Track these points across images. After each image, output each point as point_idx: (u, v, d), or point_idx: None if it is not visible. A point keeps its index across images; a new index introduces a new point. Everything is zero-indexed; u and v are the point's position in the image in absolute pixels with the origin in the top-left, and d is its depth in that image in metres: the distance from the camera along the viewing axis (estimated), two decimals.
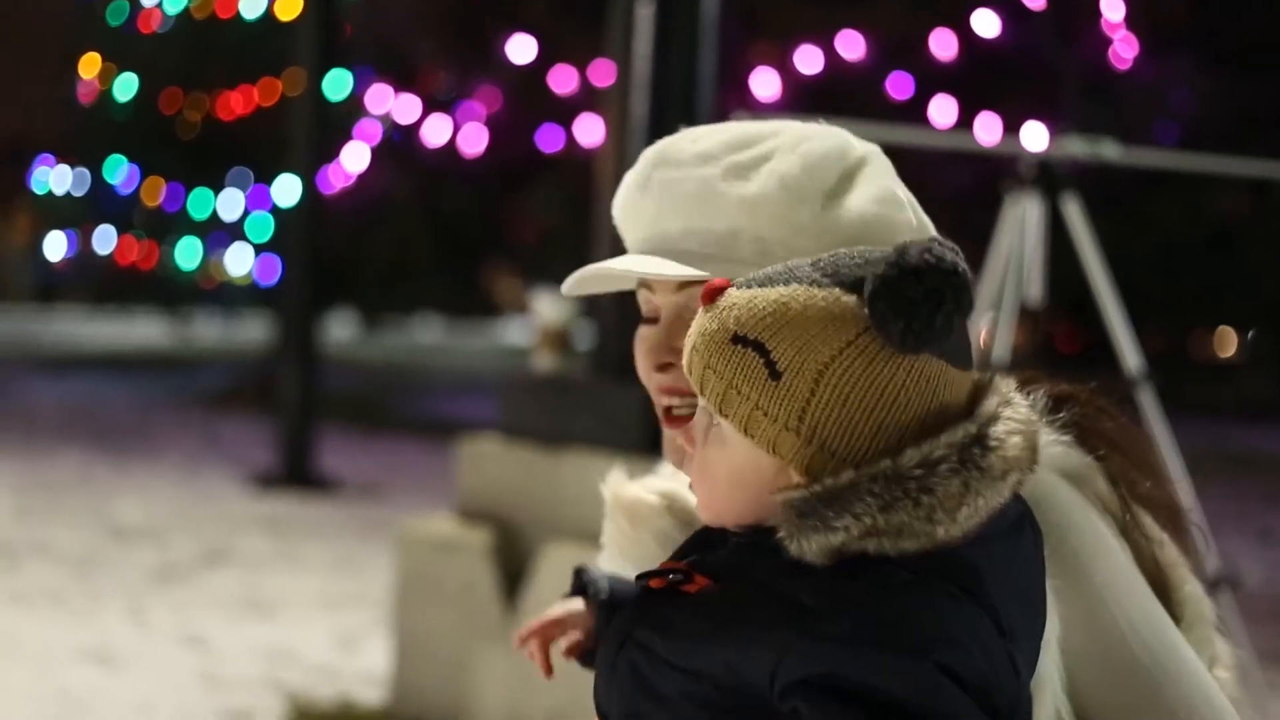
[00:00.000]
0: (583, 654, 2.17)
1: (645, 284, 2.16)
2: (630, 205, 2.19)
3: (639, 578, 1.93)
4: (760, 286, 1.83)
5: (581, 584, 2.17)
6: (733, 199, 2.08)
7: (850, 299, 1.79)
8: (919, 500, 1.74)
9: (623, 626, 1.91)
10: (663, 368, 2.13)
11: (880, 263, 1.78)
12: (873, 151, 2.16)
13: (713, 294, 1.85)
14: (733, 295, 1.84)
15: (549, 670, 2.18)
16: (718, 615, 1.81)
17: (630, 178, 2.19)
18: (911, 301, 1.75)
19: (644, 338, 2.16)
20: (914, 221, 2.10)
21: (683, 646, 1.82)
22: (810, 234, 2.06)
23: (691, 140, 2.16)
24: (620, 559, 2.30)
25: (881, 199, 2.08)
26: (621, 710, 1.88)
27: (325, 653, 7.47)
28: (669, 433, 2.15)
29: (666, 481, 2.29)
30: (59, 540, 9.99)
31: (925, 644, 1.71)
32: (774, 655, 1.74)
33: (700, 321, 1.85)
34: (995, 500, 1.78)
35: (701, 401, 1.86)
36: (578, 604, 2.14)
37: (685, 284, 2.11)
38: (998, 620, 1.78)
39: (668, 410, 2.14)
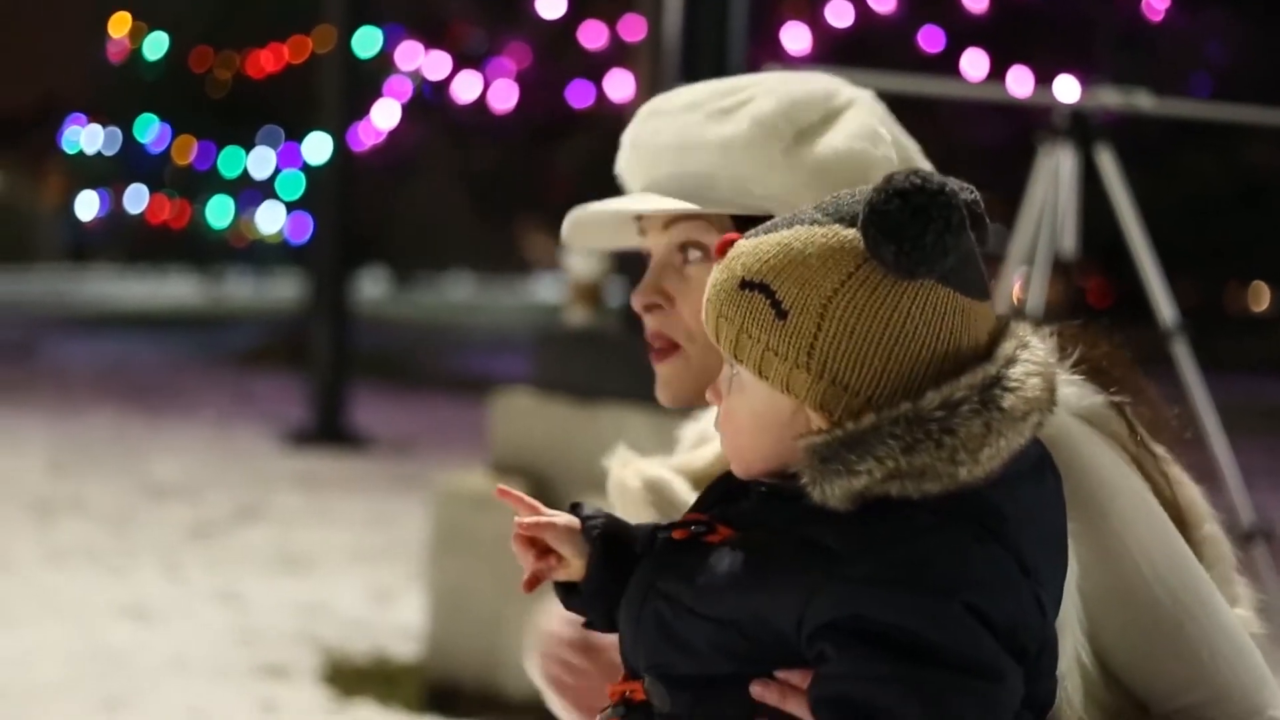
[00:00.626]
0: (566, 588, 2.13)
1: (643, 231, 2.20)
2: (625, 161, 2.23)
3: (660, 529, 1.94)
4: (766, 234, 1.85)
5: (578, 519, 2.15)
6: (710, 140, 2.12)
7: (849, 232, 1.80)
8: (941, 441, 1.74)
9: (646, 578, 1.91)
10: (648, 308, 2.17)
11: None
12: (862, 96, 2.19)
13: (724, 247, 1.88)
14: (740, 245, 1.86)
15: (531, 585, 2.14)
16: (742, 563, 1.81)
17: (625, 136, 2.23)
18: (899, 223, 1.76)
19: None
20: (894, 158, 2.12)
21: (708, 595, 1.82)
22: (781, 169, 2.10)
23: (677, 94, 2.20)
24: None
25: (858, 135, 2.12)
26: (648, 661, 1.88)
27: (359, 607, 7.50)
28: (657, 371, 2.19)
29: (661, 468, 2.30)
30: (94, 498, 10.04)
31: (952, 584, 1.72)
32: (800, 599, 1.75)
33: (712, 275, 1.87)
34: (1017, 441, 1.78)
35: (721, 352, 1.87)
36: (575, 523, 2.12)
37: (672, 222, 2.15)
38: (1022, 561, 1.78)
39: (655, 351, 2.18)
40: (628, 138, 2.21)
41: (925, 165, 2.16)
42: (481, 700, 5.93)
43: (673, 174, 2.15)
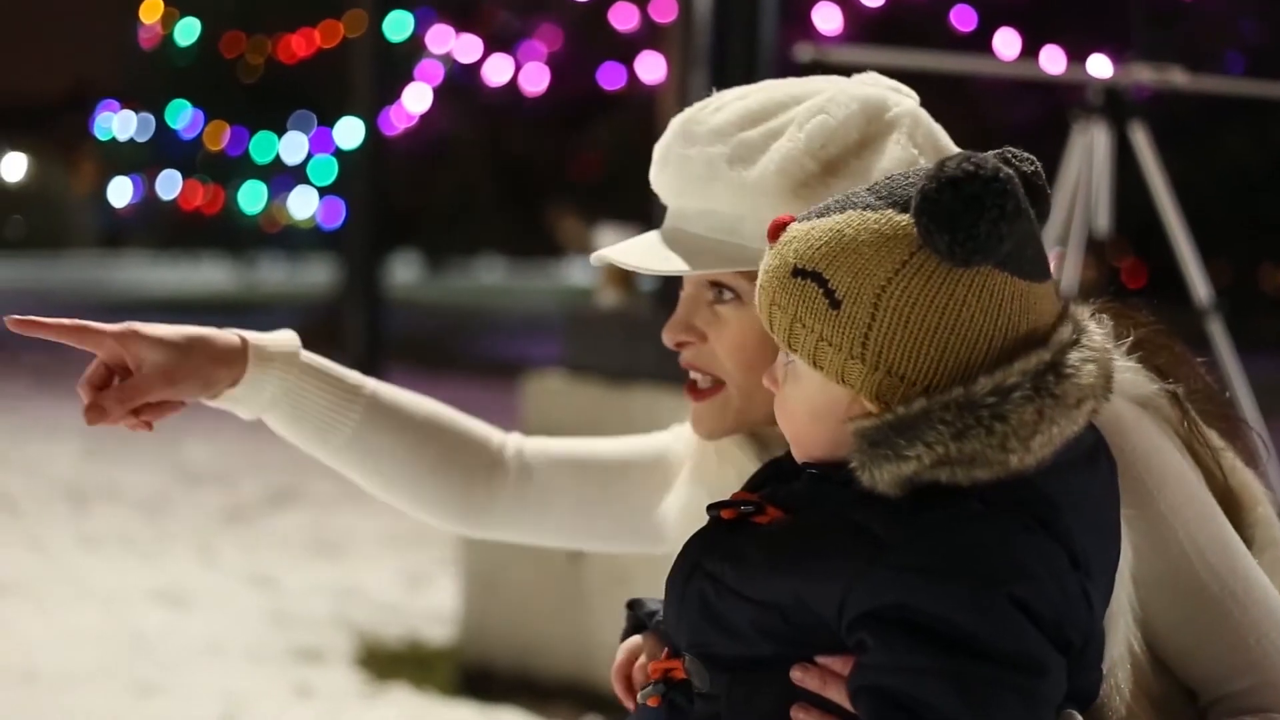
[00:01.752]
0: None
1: None
2: (655, 178, 2.19)
3: (710, 509, 1.92)
4: (819, 217, 1.83)
5: (638, 618, 2.13)
6: (735, 185, 2.08)
7: (902, 219, 1.78)
8: (992, 428, 1.72)
9: (692, 556, 1.90)
10: (680, 345, 2.16)
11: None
12: (904, 114, 2.12)
13: (776, 230, 1.85)
14: (792, 230, 1.84)
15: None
16: (788, 546, 1.80)
17: (657, 149, 2.18)
18: (952, 212, 1.73)
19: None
20: None
21: (752, 577, 1.81)
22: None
23: (714, 110, 2.14)
24: (697, 484, 2.29)
25: (892, 172, 2.02)
26: (689, 640, 1.87)
27: (393, 592, 7.50)
28: (691, 405, 2.18)
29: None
30: (128, 483, 10.06)
31: (998, 575, 1.70)
32: (843, 586, 1.73)
33: (765, 260, 1.85)
34: (1070, 429, 1.76)
35: (775, 339, 1.85)
36: (638, 641, 2.10)
37: None
38: (1072, 552, 1.76)
39: (691, 383, 2.17)
40: (659, 153, 2.17)
41: None
42: (515, 683, 5.92)
43: (702, 210, 2.11)
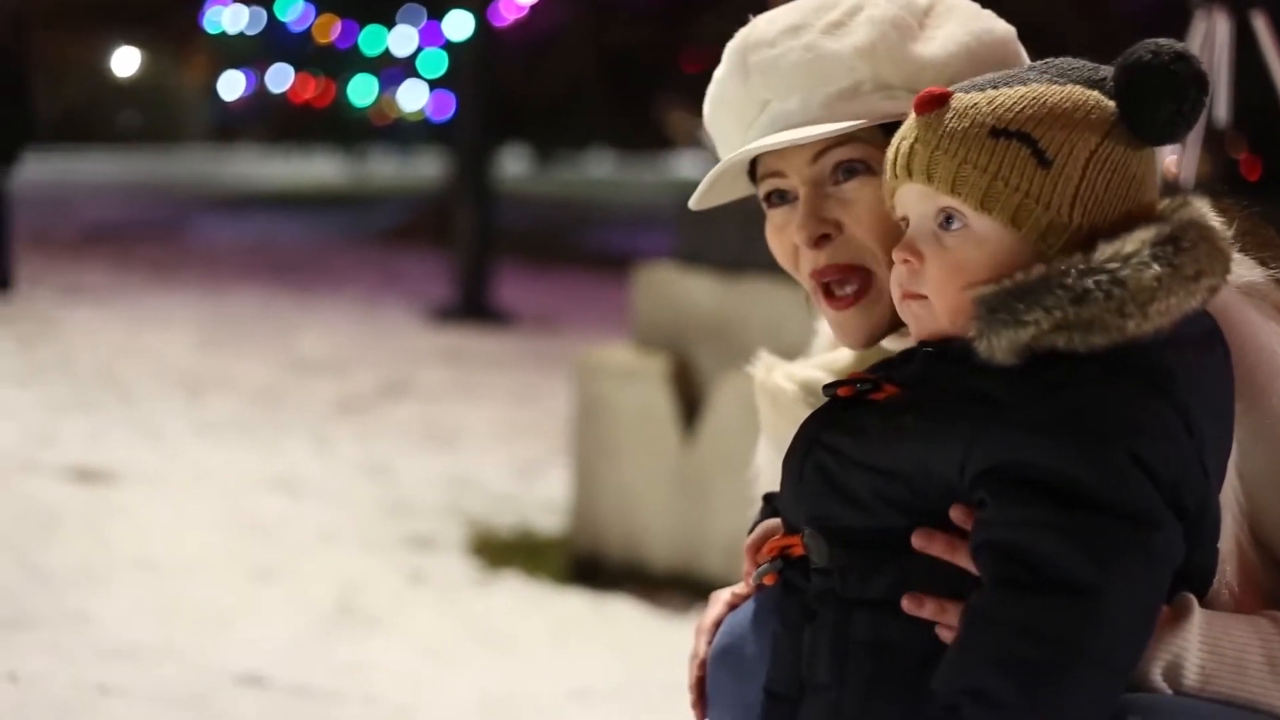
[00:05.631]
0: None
1: (772, 172, 2.11)
2: (730, 100, 2.17)
3: (826, 388, 1.93)
4: (993, 89, 1.87)
5: (773, 508, 2.10)
6: (843, 52, 2.06)
7: (1094, 93, 1.85)
8: (1110, 293, 1.74)
9: (809, 432, 1.91)
10: (818, 242, 2.07)
11: (1117, 64, 1.85)
12: None
13: (934, 102, 1.87)
14: (971, 98, 1.86)
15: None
16: (908, 415, 1.82)
17: (721, 74, 2.17)
18: (1170, 90, 1.82)
19: (782, 222, 2.12)
20: (1010, 26, 2.13)
21: (874, 447, 1.83)
22: (921, 63, 2.05)
23: (769, 22, 2.14)
24: (767, 440, 2.29)
25: (974, 13, 2.11)
26: (810, 514, 1.89)
27: (504, 481, 7.55)
28: (835, 315, 2.09)
29: (809, 369, 2.27)
30: (242, 373, 10.16)
31: (1115, 432, 1.72)
32: (964, 445, 1.76)
33: (932, 124, 1.86)
34: (1187, 301, 1.78)
35: (939, 203, 1.85)
36: (775, 522, 2.08)
37: (820, 154, 2.07)
38: (1188, 420, 1.76)
39: (828, 290, 2.09)
40: (729, 75, 2.15)
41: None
42: (625, 571, 5.96)
43: (808, 100, 2.08)
